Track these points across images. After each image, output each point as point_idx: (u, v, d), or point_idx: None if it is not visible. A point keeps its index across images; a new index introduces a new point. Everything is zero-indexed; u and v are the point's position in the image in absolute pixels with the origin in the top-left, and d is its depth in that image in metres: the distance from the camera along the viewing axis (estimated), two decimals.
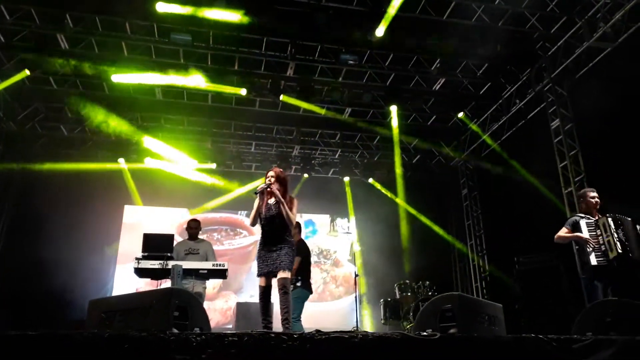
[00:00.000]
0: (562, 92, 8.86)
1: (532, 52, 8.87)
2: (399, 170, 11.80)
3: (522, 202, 9.10)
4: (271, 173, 4.64)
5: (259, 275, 4.41)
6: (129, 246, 10.99)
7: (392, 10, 7.59)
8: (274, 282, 4.43)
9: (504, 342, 2.69)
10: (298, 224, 6.50)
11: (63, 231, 9.62)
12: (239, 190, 11.86)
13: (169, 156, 11.10)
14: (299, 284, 5.90)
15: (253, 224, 4.56)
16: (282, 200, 4.51)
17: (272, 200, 4.54)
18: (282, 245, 4.39)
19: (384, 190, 12.48)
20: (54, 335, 2.60)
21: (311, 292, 6.07)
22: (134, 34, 8.20)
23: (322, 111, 10.40)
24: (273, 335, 2.67)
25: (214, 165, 11.67)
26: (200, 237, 6.55)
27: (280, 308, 4.31)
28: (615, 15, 7.41)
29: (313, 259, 12.22)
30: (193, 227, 6.48)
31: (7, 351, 2.51)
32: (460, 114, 10.52)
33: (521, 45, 8.67)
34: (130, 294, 3.19)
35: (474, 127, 11.03)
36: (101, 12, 7.68)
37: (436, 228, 12.18)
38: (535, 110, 9.61)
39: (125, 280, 10.53)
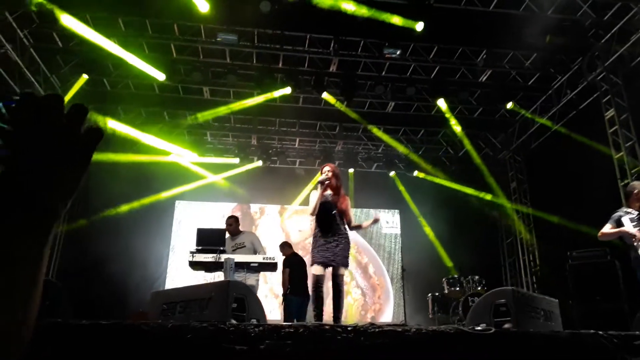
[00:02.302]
0: (616, 80, 8.50)
1: (584, 41, 8.54)
2: (479, 162, 11.69)
3: (574, 194, 8.80)
4: (327, 168, 4.81)
5: (315, 264, 4.51)
6: (179, 240, 11.40)
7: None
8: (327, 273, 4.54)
9: (562, 337, 2.65)
10: (288, 243, 7.90)
11: (119, 224, 10.04)
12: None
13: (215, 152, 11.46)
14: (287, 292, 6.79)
15: (314, 213, 4.70)
16: (341, 193, 4.75)
17: (328, 192, 4.69)
18: (339, 238, 4.52)
19: (438, 181, 12.25)
20: (123, 325, 2.77)
21: (303, 297, 6.77)
22: (182, 35, 8.46)
23: (359, 118, 10.51)
24: (328, 327, 2.74)
25: (259, 163, 11.87)
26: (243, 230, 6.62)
27: (334, 303, 4.43)
28: None
29: (357, 251, 12.30)
30: (229, 224, 6.45)
31: (80, 339, 2.69)
32: (509, 105, 10.22)
33: (572, 33, 8.36)
34: (189, 286, 3.33)
35: (528, 114, 10.63)
36: (151, 15, 7.95)
37: (493, 197, 11.90)
38: (588, 101, 9.27)
39: (177, 273, 10.95)
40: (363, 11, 7.54)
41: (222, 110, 10.11)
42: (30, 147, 0.62)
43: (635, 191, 5.22)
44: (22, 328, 0.60)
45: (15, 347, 0.59)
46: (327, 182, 4.72)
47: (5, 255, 0.59)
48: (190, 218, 11.64)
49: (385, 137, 11.58)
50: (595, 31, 8.41)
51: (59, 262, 10.18)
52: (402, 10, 7.81)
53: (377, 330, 2.72)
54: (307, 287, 6.57)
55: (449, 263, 10.69)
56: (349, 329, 2.72)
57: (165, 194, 11.23)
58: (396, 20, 7.73)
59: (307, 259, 12.01)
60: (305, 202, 12.21)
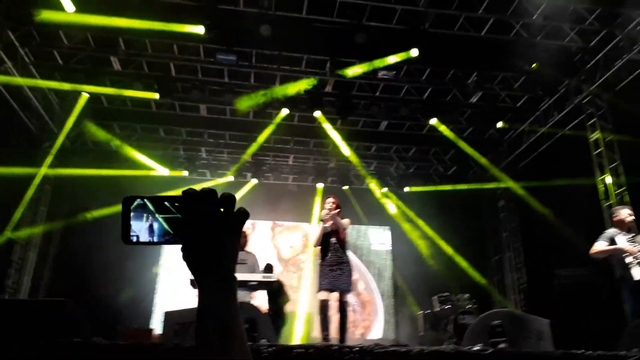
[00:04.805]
0: (601, 104, 8.84)
1: (571, 65, 8.89)
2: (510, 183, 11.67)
3: (560, 214, 9.06)
4: (331, 199, 5.11)
5: (321, 290, 4.78)
6: (167, 257, 11.30)
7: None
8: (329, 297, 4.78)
9: (555, 357, 2.83)
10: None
11: (110, 239, 10.04)
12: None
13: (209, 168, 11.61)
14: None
15: (316, 245, 5.09)
16: (344, 226, 5.06)
17: (329, 224, 4.95)
18: (343, 266, 4.76)
19: (432, 189, 12.44)
20: (142, 345, 2.89)
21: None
22: (181, 54, 8.63)
23: (345, 144, 10.95)
24: (336, 347, 2.89)
25: (255, 181, 12.04)
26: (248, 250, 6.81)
27: (340, 325, 4.67)
28: None
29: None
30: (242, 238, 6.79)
31: (98, 358, 2.81)
32: (499, 124, 10.52)
33: (559, 58, 8.71)
34: None
35: (526, 127, 10.77)
36: (151, 36, 8.09)
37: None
38: (574, 123, 9.60)
39: (167, 289, 10.96)
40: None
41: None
42: (198, 227, 0.84)
43: (624, 216, 5.48)
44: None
45: None
46: (330, 215, 5.01)
47: (229, 308, 0.83)
48: None
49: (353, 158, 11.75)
50: (582, 56, 8.75)
51: (49, 281, 10.09)
52: (399, 34, 8.10)
53: (382, 350, 2.88)
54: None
55: (438, 281, 10.77)
56: (355, 349, 2.87)
57: None
58: (392, 59, 8.42)
59: (297, 276, 12.05)
60: (298, 218, 12.37)
